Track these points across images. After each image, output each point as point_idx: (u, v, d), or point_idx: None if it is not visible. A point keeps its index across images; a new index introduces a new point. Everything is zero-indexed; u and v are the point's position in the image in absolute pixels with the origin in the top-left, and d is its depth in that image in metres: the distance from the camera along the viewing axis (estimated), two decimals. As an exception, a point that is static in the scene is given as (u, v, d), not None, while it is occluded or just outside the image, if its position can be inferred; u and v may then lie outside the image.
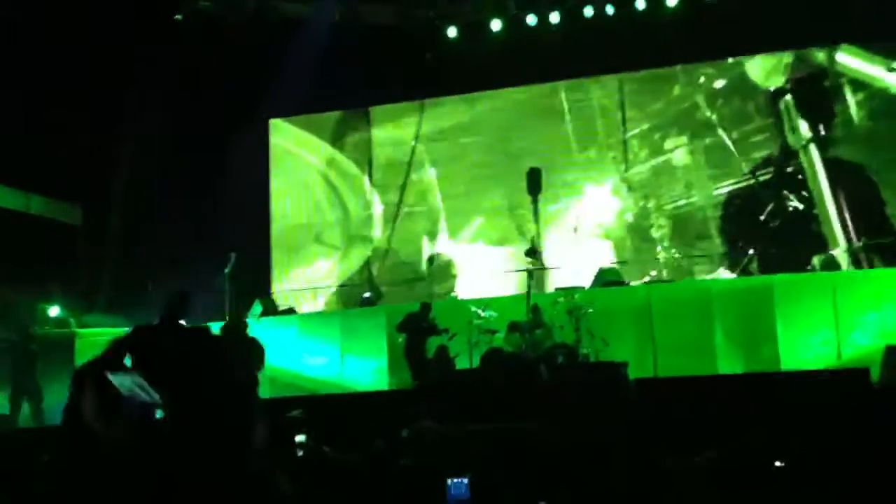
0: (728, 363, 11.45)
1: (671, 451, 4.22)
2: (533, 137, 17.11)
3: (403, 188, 17.48)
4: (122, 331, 6.26)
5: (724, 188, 16.31)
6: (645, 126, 16.84)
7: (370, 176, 17.59)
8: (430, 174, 17.47)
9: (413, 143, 17.56)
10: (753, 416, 5.98)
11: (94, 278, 16.05)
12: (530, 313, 11.47)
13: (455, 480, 2.16)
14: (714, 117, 16.51)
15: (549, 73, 16.65)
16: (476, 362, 11.15)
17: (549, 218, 16.76)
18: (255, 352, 9.37)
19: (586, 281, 13.34)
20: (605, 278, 13.14)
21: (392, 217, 17.43)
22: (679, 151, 16.71)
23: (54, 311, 14.37)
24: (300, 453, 5.98)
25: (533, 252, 14.23)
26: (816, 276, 13.47)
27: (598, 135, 17.02)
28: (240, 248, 13.70)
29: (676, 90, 16.84)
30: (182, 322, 5.02)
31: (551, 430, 6.75)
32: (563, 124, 17.11)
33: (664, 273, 15.94)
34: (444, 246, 16.87)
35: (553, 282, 14.82)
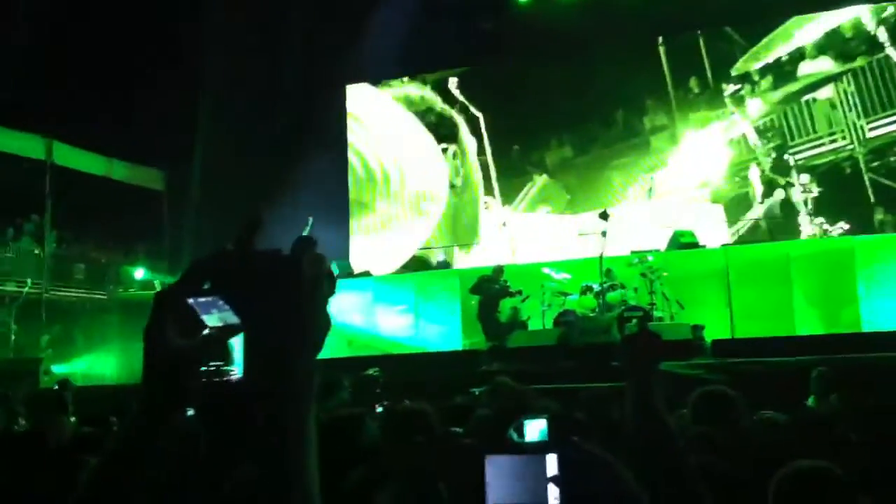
0: (807, 326, 11.24)
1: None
2: (610, 82, 14.54)
3: (464, 153, 16.67)
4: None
5: (883, 126, 12.73)
6: (771, 51, 13.49)
7: (441, 140, 17.35)
8: (483, 133, 16.45)
9: (473, 106, 16.63)
10: (830, 380, 5.87)
11: (177, 241, 16.49)
12: (603, 276, 11.44)
13: (532, 421, 2.19)
14: (878, 30, 12.81)
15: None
16: (548, 324, 11.21)
17: (633, 172, 14.84)
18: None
19: (661, 244, 13.14)
20: (681, 241, 12.94)
21: (461, 181, 16.83)
22: (819, 80, 13.27)
23: (139, 273, 14.84)
24: (379, 409, 6.14)
25: (605, 215, 14.05)
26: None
27: (703, 66, 14.11)
28: (318, 211, 13.90)
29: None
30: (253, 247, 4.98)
31: (622, 392, 6.75)
32: (654, 65, 14.51)
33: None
34: (504, 211, 16.10)
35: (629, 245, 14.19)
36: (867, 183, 12.83)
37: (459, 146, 16.73)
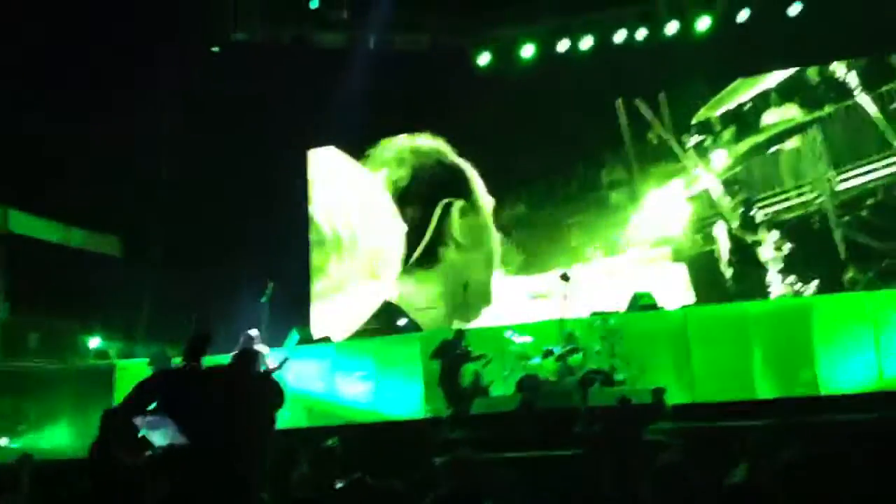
0: (766, 387, 11.29)
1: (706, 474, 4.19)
2: (567, 137, 14.22)
3: (475, 209, 15.87)
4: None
5: (853, 178, 12.22)
6: (735, 97, 13.15)
7: (403, 202, 17.07)
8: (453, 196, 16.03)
9: (437, 166, 16.40)
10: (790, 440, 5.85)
11: (134, 309, 16.24)
12: (565, 339, 11.43)
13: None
14: (848, 75, 12.32)
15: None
16: (511, 389, 11.14)
17: (592, 230, 14.68)
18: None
19: (622, 304, 13.19)
20: (640, 303, 13.02)
21: (469, 239, 15.99)
22: (785, 130, 12.78)
23: (95, 342, 14.57)
24: (339, 484, 6.03)
25: (566, 277, 14.10)
26: (855, 295, 12.27)
27: (662, 119, 13.89)
28: (279, 276, 13.75)
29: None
30: (202, 364, 4.86)
31: (586, 457, 6.76)
32: (612, 117, 14.24)
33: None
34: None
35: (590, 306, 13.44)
36: (837, 239, 12.46)
37: (470, 201, 15.94)
